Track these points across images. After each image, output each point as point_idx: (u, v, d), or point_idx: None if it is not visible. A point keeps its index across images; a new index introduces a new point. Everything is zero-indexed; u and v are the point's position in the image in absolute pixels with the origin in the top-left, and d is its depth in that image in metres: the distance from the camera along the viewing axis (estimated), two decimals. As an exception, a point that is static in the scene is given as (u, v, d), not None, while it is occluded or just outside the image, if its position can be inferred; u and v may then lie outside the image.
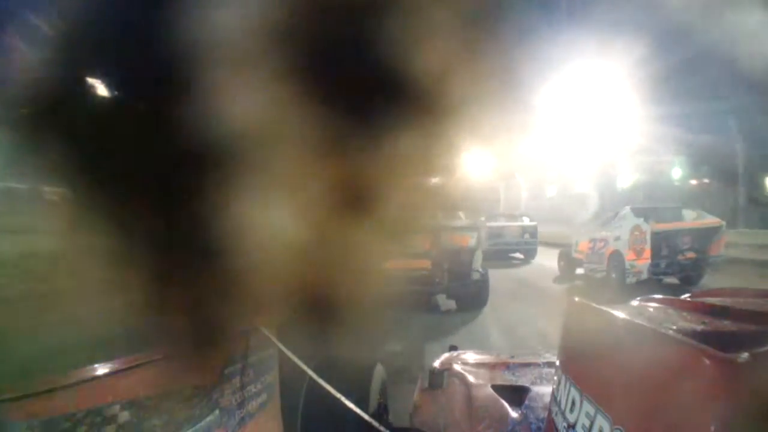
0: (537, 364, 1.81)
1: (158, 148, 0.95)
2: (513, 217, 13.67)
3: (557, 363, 1.07)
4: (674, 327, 0.76)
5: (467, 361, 1.93)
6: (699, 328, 0.77)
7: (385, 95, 0.90)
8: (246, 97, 0.84)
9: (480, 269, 5.76)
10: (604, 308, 0.93)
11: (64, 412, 0.87)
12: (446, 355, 2.06)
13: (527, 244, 12.73)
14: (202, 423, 1.19)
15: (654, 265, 6.75)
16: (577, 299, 1.03)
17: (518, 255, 12.98)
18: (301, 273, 0.99)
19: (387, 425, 1.71)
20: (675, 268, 6.98)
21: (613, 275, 7.42)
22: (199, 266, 1.02)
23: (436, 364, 1.92)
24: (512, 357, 1.96)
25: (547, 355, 1.91)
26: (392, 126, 0.91)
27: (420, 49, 0.86)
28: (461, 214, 6.28)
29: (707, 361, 0.55)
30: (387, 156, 0.92)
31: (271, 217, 0.92)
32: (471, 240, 5.66)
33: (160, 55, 0.84)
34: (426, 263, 5.20)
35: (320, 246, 0.96)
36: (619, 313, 0.88)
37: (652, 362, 0.66)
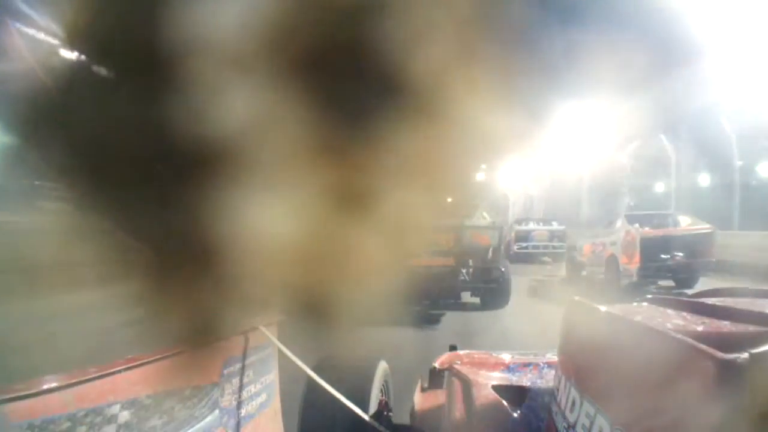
0: (537, 364, 1.81)
1: (159, 145, 0.95)
2: (542, 221, 14.08)
3: (557, 363, 1.07)
4: (674, 327, 0.76)
5: (467, 361, 1.93)
6: (699, 328, 0.77)
7: (414, 98, 0.89)
8: (263, 91, 0.83)
9: (501, 267, 5.87)
10: (603, 308, 0.93)
11: (64, 412, 0.87)
12: (446, 354, 2.06)
13: (555, 248, 13.10)
14: (202, 423, 1.19)
15: (644, 268, 7.12)
16: (576, 299, 1.02)
17: (546, 258, 13.22)
18: (315, 271, 0.99)
19: (388, 424, 1.71)
20: (664, 271, 7.37)
21: (611, 277, 7.81)
22: (201, 265, 1.01)
23: (436, 364, 1.92)
24: (512, 357, 1.96)
25: (548, 355, 1.91)
26: (419, 126, 0.90)
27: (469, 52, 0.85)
28: (484, 213, 6.44)
29: (707, 361, 0.55)
30: (417, 157, 0.91)
31: (283, 216, 0.91)
32: (492, 239, 5.84)
33: (164, 51, 0.83)
34: (450, 260, 5.40)
35: (337, 244, 0.95)
36: (619, 313, 0.88)
37: (652, 362, 0.66)
